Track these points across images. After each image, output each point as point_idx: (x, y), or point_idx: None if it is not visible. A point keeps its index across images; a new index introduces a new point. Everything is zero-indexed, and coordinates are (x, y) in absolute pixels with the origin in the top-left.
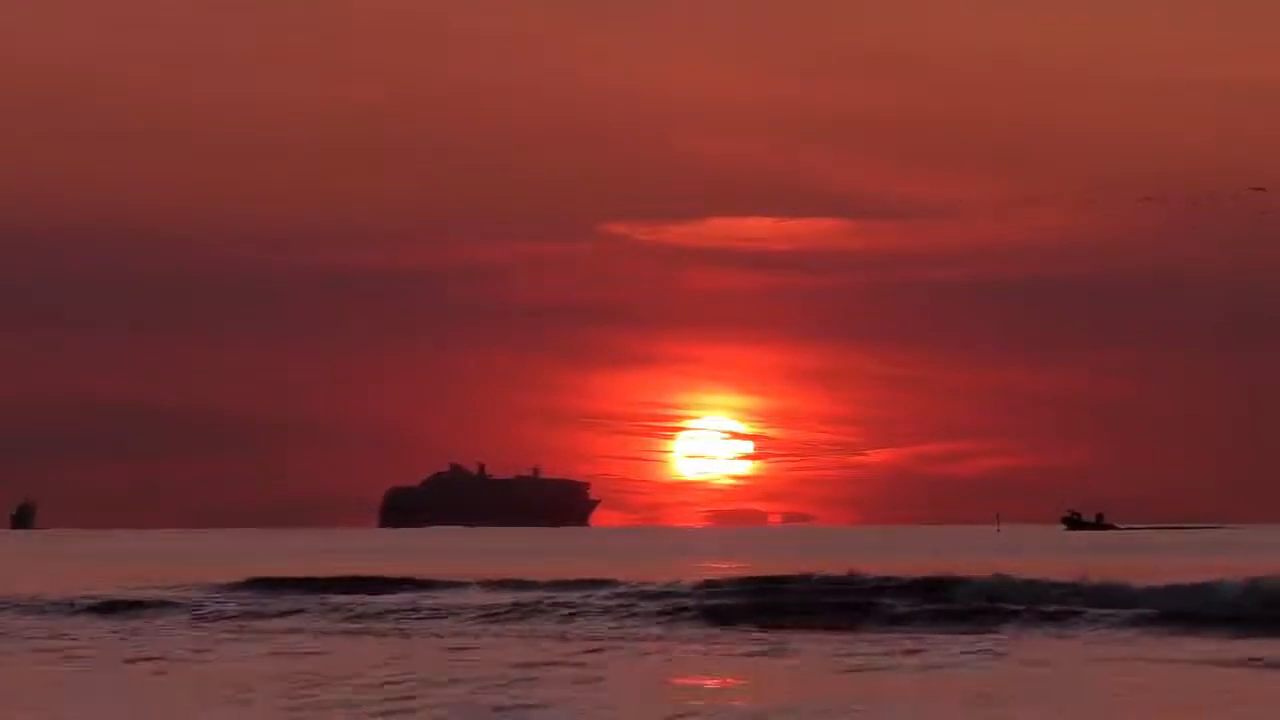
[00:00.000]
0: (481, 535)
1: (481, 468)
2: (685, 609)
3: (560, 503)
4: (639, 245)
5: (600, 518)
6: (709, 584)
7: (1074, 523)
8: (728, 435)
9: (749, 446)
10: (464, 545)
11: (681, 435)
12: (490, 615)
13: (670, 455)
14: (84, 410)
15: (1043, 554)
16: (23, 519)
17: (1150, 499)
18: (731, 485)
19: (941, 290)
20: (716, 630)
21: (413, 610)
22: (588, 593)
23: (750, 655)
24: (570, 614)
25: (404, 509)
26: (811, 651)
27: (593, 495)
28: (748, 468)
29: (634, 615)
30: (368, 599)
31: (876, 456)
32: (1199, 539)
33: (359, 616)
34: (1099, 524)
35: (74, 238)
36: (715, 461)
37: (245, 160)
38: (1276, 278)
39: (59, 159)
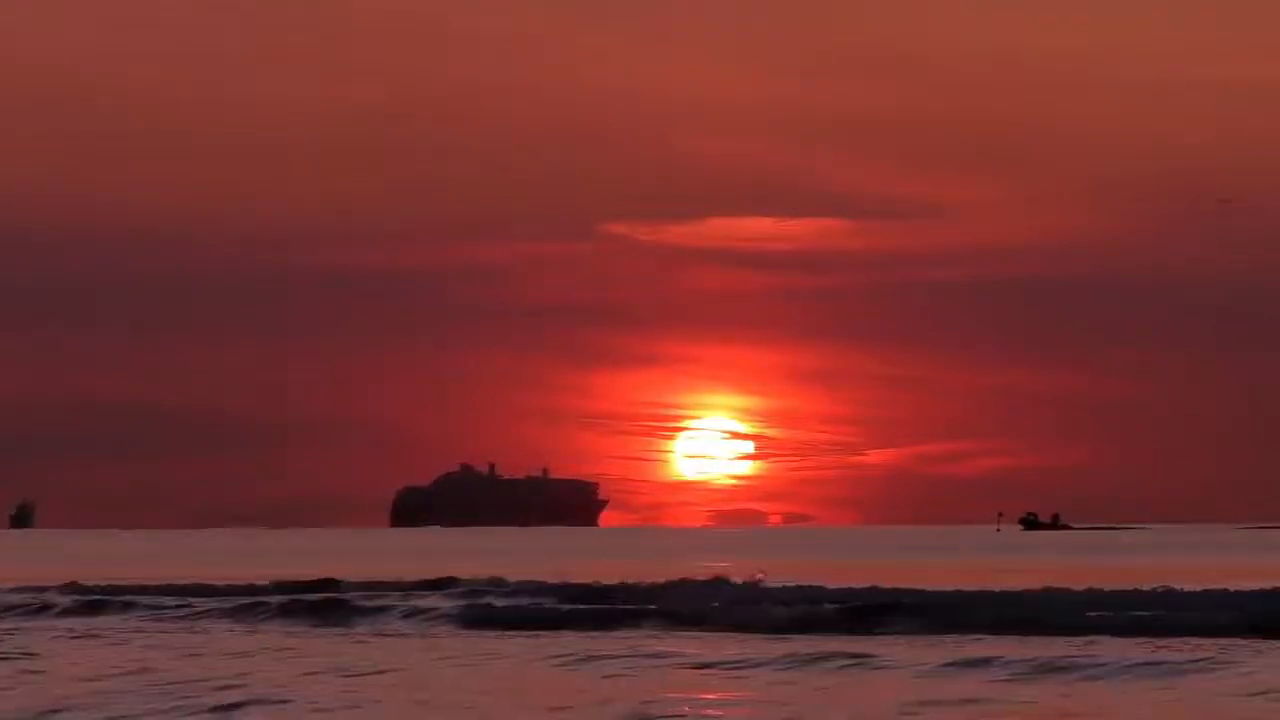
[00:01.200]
0: (464, 535)
1: (492, 468)
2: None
3: (570, 503)
4: (639, 245)
5: (605, 518)
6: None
7: (1030, 523)
8: (728, 435)
9: (749, 446)
10: (417, 546)
11: (682, 435)
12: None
13: (671, 455)
14: (84, 410)
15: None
16: (22, 519)
17: (1150, 499)
18: (732, 485)
19: (941, 290)
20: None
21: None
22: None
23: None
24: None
25: (415, 509)
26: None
27: (602, 495)
28: (748, 468)
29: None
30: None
31: (876, 456)
32: (1144, 540)
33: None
34: (1054, 525)
35: (74, 238)
36: (716, 461)
37: (245, 160)
38: (1277, 278)
39: (59, 159)
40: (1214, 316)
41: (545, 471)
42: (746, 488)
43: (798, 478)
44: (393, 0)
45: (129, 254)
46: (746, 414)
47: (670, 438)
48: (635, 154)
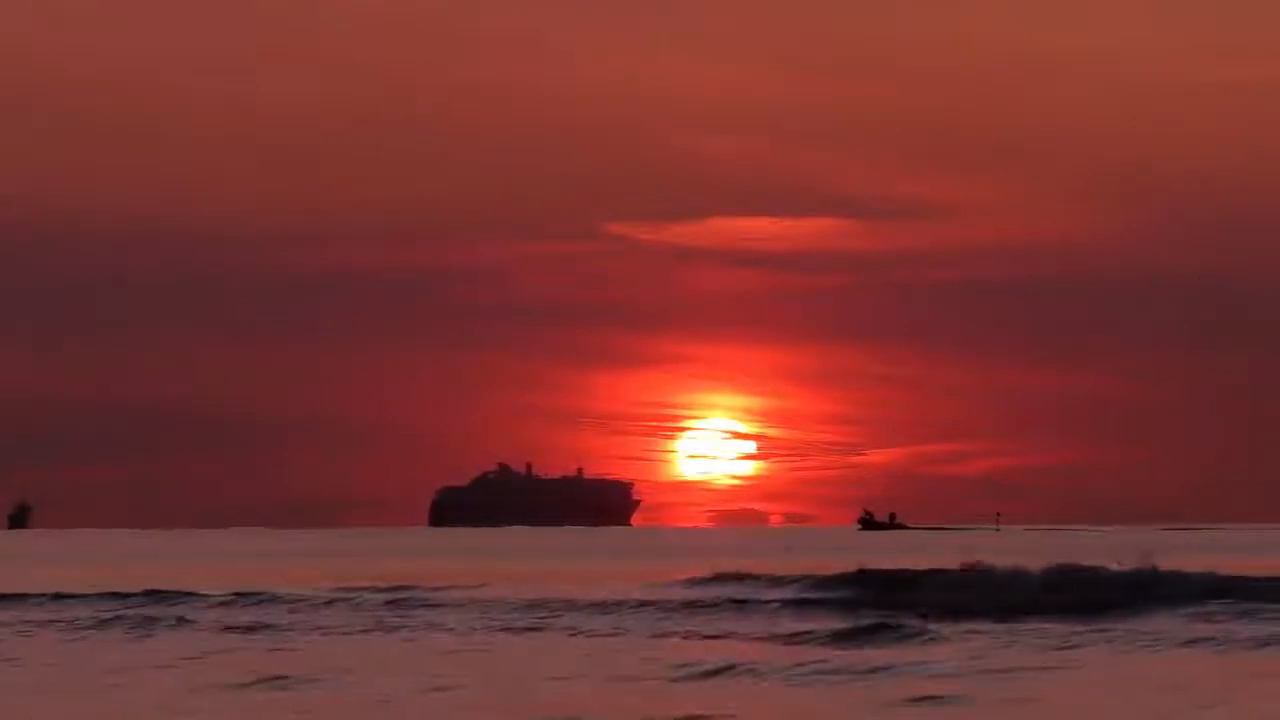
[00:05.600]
0: (454, 536)
1: (529, 467)
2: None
3: (604, 503)
4: (640, 245)
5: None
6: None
7: (867, 523)
8: (729, 435)
9: (751, 446)
10: (368, 547)
11: (684, 436)
12: None
13: (673, 456)
14: (84, 410)
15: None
16: (19, 519)
17: (1150, 499)
18: (733, 485)
19: (941, 290)
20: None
21: None
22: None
23: None
24: None
25: (453, 509)
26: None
27: (635, 495)
28: (750, 468)
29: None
30: None
31: (876, 456)
32: (972, 541)
33: None
34: (891, 524)
35: (74, 238)
36: (717, 462)
37: (246, 160)
38: (1277, 278)
39: (59, 159)
40: (1215, 317)
41: (580, 471)
42: (748, 488)
43: (798, 478)
44: (393, 0)
45: (129, 254)
46: (748, 414)
47: (671, 438)
48: (636, 154)
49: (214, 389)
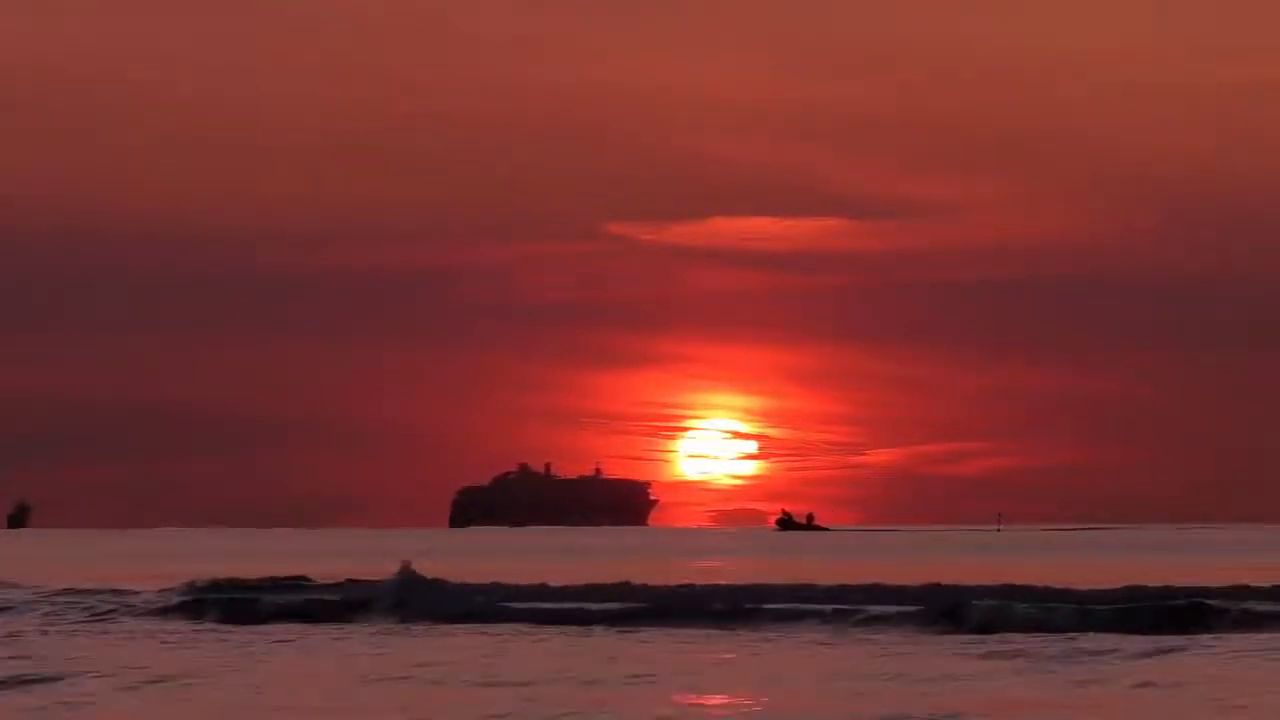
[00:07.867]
0: (459, 536)
1: (548, 468)
2: None
3: (621, 502)
4: (641, 245)
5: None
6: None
7: (786, 524)
8: (730, 435)
9: (753, 446)
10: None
11: (685, 435)
12: None
13: (674, 455)
14: (84, 410)
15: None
16: (18, 519)
17: (1149, 499)
18: (734, 485)
19: (941, 290)
20: None
21: None
22: None
23: None
24: None
25: (473, 508)
26: None
27: (653, 495)
28: (751, 468)
29: None
30: None
31: (877, 456)
32: (892, 541)
33: None
34: (809, 525)
35: (74, 238)
36: (718, 461)
37: (246, 160)
38: (1277, 278)
39: (59, 159)
40: (1214, 316)
41: (599, 471)
42: (749, 488)
43: (799, 478)
44: (393, 0)
45: (129, 254)
46: (748, 414)
47: (672, 438)
48: (637, 154)
49: (215, 389)
